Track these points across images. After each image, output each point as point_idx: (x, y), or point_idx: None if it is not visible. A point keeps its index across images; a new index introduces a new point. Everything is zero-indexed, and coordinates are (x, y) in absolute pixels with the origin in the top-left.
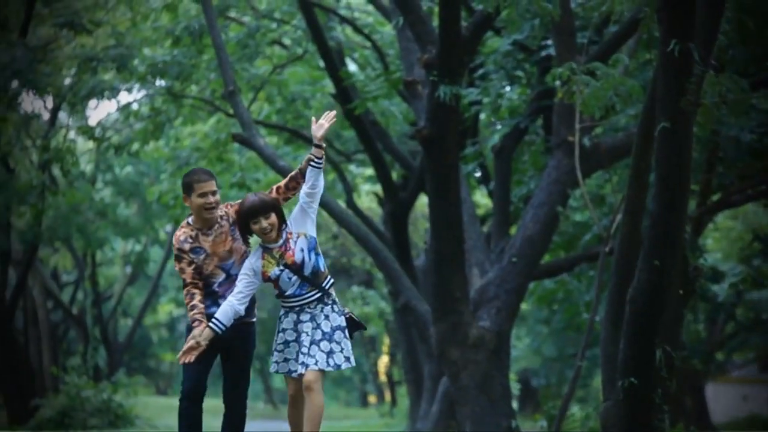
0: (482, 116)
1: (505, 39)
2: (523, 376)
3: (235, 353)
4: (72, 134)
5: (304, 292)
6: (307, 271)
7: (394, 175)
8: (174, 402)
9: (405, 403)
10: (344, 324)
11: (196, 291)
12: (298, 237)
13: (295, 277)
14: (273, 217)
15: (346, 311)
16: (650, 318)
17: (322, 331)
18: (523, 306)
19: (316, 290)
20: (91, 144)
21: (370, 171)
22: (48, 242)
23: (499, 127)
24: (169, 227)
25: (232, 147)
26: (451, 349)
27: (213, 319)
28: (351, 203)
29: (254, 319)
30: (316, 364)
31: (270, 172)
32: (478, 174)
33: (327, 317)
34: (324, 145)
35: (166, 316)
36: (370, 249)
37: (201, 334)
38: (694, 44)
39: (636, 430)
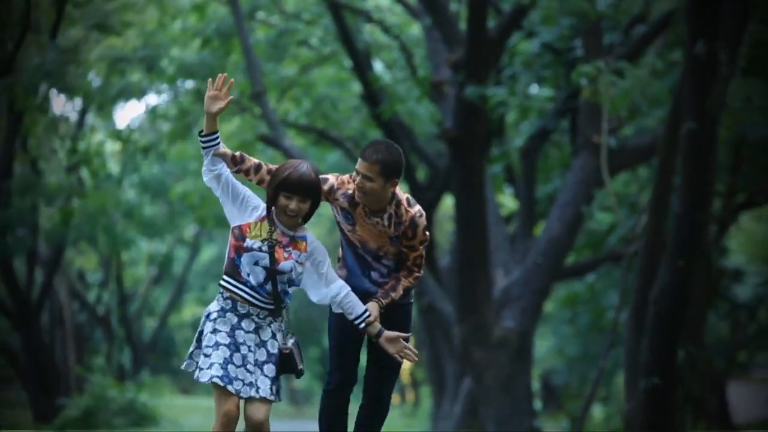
0: (509, 117)
1: (534, 41)
2: (546, 376)
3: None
4: (100, 136)
5: (259, 295)
6: (279, 282)
7: (420, 175)
8: (198, 402)
9: (428, 403)
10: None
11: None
12: (306, 260)
13: (262, 271)
14: (307, 205)
15: (291, 342)
16: (673, 318)
17: (268, 351)
18: (548, 307)
19: (272, 303)
20: (118, 145)
21: None
22: (74, 243)
23: (524, 127)
24: (193, 227)
25: (257, 147)
26: (474, 350)
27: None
28: None
29: (411, 300)
30: (258, 392)
31: None
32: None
33: (274, 336)
34: (372, 328)
35: (191, 317)
36: None
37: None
38: (720, 46)
39: (658, 430)
